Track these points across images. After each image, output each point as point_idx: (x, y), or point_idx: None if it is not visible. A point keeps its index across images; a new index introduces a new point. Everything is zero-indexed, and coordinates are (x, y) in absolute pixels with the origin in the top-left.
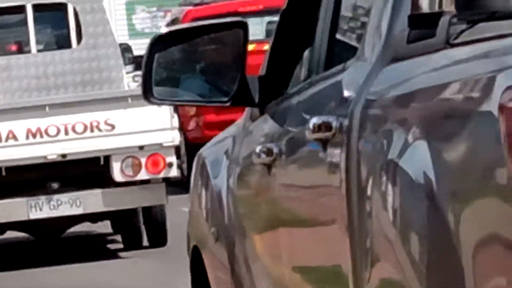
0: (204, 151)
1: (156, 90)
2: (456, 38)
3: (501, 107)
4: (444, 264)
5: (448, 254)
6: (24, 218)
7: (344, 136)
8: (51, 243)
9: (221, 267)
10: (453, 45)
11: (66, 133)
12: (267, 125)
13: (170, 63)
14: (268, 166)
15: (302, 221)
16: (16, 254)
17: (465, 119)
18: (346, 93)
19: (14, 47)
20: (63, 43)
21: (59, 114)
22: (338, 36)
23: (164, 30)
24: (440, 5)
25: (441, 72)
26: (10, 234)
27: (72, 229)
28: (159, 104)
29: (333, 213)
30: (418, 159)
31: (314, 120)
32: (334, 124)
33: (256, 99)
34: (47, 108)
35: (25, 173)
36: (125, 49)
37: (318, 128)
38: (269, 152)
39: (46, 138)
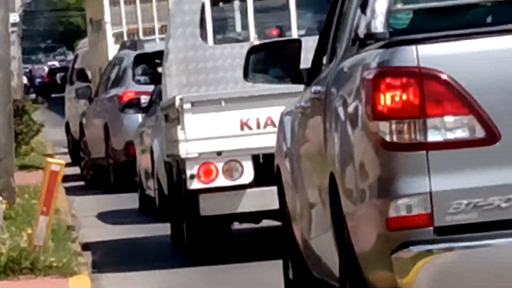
0: (284, 110)
1: (251, 74)
2: (361, 49)
3: (361, 79)
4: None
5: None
6: None
7: (323, 96)
8: None
9: (287, 172)
10: (358, 52)
11: None
12: (307, 93)
13: (259, 60)
14: (302, 113)
15: (309, 138)
16: (271, 244)
17: (353, 85)
18: (326, 75)
19: (274, 32)
20: None
21: None
22: (334, 43)
23: (255, 43)
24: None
25: (351, 63)
26: (266, 223)
27: None
28: (253, 82)
29: (320, 132)
30: (339, 107)
31: (313, 88)
32: (321, 90)
33: (305, 80)
34: None
35: None
36: None
37: (314, 92)
38: (301, 107)
39: None
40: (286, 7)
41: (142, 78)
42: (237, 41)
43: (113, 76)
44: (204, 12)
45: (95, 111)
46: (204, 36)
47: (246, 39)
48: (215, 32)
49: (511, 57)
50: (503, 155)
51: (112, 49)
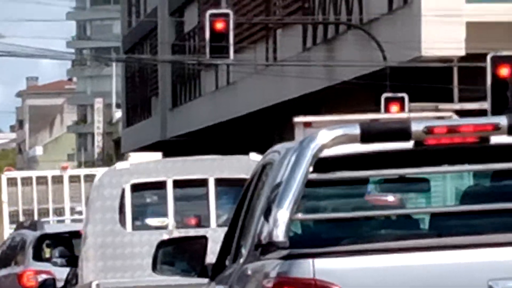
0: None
1: (159, 266)
2: (263, 255)
3: (261, 286)
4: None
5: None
6: None
7: None
8: None
9: None
10: (260, 259)
11: None
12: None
13: (168, 254)
14: None
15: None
16: None
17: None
18: (229, 274)
19: (193, 221)
20: None
21: None
22: (238, 243)
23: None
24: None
25: (253, 268)
26: None
27: None
28: (160, 275)
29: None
30: None
31: (217, 286)
32: None
33: (210, 274)
34: None
35: None
36: None
37: None
38: None
39: None
40: (205, 197)
41: (58, 260)
42: (156, 228)
43: (9, 255)
44: (124, 198)
45: None
46: (122, 222)
47: (165, 226)
48: (134, 219)
49: (398, 274)
50: None
51: (8, 228)
